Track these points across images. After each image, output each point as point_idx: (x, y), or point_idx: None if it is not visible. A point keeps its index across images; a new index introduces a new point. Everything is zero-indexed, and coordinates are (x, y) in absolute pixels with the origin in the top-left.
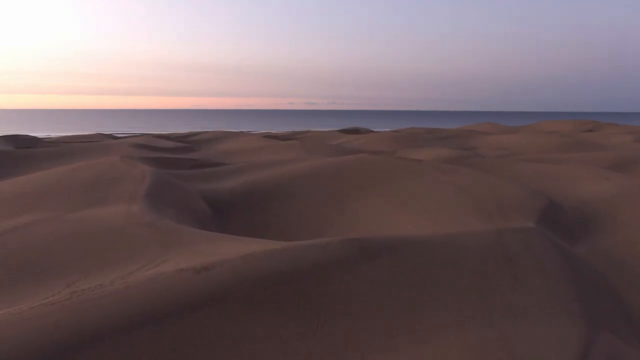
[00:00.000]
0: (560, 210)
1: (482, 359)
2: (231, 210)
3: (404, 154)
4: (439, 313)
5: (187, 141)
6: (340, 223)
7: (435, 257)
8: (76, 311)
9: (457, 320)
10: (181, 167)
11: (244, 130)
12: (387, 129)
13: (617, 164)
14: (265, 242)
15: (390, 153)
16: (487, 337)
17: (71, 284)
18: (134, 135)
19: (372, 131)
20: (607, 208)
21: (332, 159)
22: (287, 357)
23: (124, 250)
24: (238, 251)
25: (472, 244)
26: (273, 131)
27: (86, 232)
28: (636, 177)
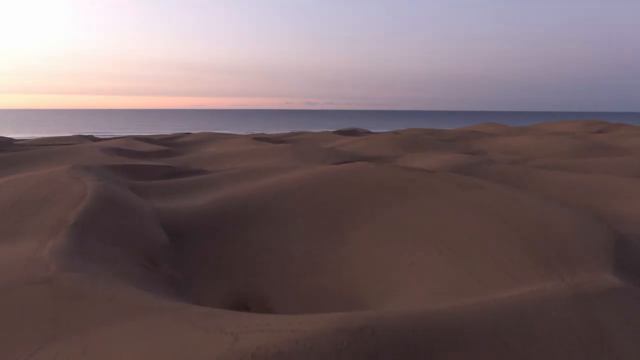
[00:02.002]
0: (629, 245)
1: None
2: (195, 238)
3: (407, 160)
4: None
5: (169, 144)
6: (335, 266)
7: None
8: None
9: None
10: (151, 176)
11: (240, 131)
12: (385, 130)
13: None
14: (213, 321)
15: (392, 159)
16: None
17: None
18: (115, 137)
19: (370, 132)
20: None
21: (326, 168)
22: None
23: None
24: None
25: (545, 318)
26: (267, 132)
27: None
28: None
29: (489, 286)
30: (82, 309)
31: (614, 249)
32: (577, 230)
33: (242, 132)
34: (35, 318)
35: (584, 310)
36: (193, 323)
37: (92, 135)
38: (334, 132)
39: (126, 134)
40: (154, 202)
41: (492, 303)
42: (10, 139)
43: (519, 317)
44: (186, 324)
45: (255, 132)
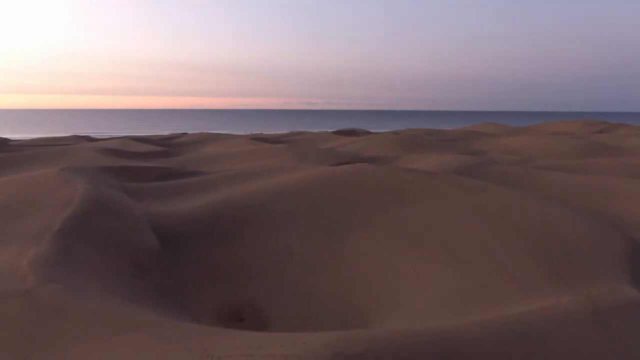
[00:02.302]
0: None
1: None
2: (189, 243)
3: (407, 161)
4: None
5: (166, 144)
6: (334, 272)
7: None
8: None
9: None
10: (146, 178)
11: (240, 131)
12: (385, 130)
13: None
14: (199, 342)
15: (392, 159)
16: None
17: None
18: (113, 138)
19: (369, 132)
20: None
21: (324, 170)
22: None
23: None
24: None
25: (561, 337)
26: (265, 132)
27: None
28: None
29: (497, 298)
30: (60, 325)
31: (630, 257)
32: (588, 237)
33: (242, 132)
34: (10, 334)
35: (604, 328)
36: (177, 343)
37: (89, 136)
38: (333, 133)
39: (125, 134)
40: (148, 205)
41: (503, 320)
42: (5, 139)
43: (532, 336)
44: (169, 345)
45: (255, 132)
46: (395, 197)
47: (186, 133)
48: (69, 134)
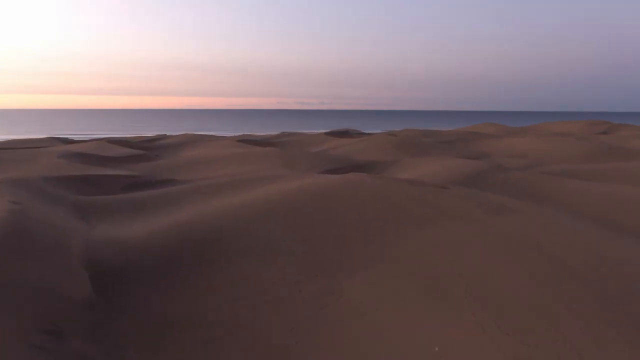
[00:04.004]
0: None
1: None
2: (133, 286)
3: (407, 165)
4: None
5: (146, 147)
6: (321, 343)
7: None
8: None
9: None
10: (108, 189)
11: (235, 131)
12: (379, 131)
13: None
14: None
15: (390, 164)
16: None
17: None
18: (90, 140)
19: (364, 133)
20: None
21: (314, 183)
22: None
23: None
24: None
25: None
26: (258, 133)
27: None
28: None
29: None
30: None
31: None
32: None
33: (236, 133)
34: None
35: None
36: None
37: (66, 138)
38: (326, 134)
39: (110, 136)
40: (96, 227)
41: None
42: None
43: None
44: None
45: (248, 132)
46: (400, 221)
47: (165, 134)
48: (51, 135)
